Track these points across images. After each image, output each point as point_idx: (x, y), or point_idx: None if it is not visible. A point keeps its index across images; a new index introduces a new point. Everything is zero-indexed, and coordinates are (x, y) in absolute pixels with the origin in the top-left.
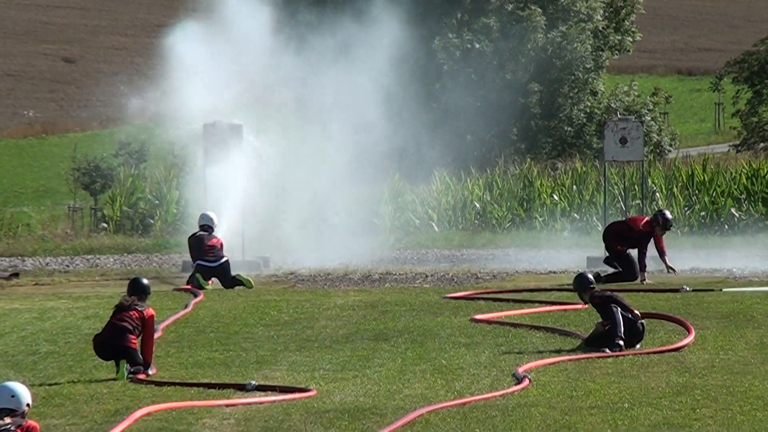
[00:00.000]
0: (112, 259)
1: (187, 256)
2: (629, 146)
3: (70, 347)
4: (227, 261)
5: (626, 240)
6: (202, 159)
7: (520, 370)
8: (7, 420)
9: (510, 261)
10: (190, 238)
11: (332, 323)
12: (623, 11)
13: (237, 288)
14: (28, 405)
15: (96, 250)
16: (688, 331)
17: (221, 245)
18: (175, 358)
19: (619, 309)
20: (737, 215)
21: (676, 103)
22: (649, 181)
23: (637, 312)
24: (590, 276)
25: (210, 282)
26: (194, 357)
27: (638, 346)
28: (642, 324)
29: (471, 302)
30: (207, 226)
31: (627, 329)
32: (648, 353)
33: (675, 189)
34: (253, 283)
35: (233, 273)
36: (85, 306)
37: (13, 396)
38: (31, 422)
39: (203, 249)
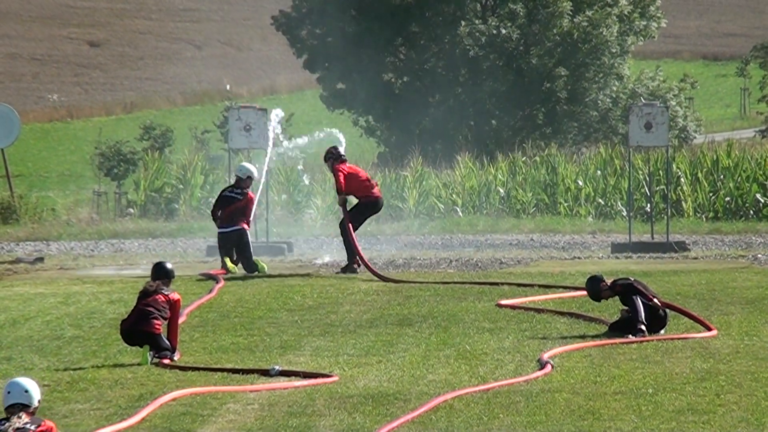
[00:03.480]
0: (136, 244)
1: (212, 241)
2: (654, 131)
3: (94, 332)
4: (242, 230)
5: None
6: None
7: (545, 355)
8: (25, 418)
9: (534, 246)
10: (222, 192)
11: (356, 308)
12: None
13: (259, 273)
14: (39, 401)
15: (121, 235)
16: (709, 329)
17: (250, 201)
18: (200, 343)
19: (638, 297)
20: (762, 201)
21: (702, 89)
22: (674, 166)
23: (657, 301)
24: (598, 275)
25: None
26: (218, 342)
27: (662, 332)
28: (664, 311)
29: (495, 288)
30: (247, 178)
31: (649, 316)
32: (672, 339)
33: (700, 174)
34: (266, 268)
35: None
36: (109, 291)
37: (26, 391)
38: (48, 422)
39: (224, 214)
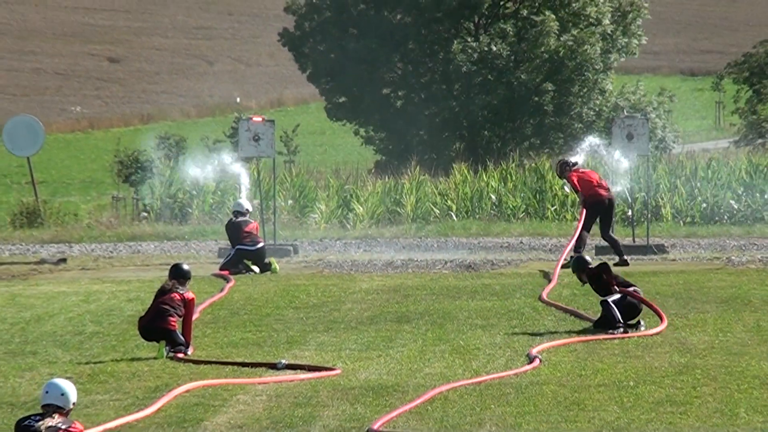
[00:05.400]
0: (152, 246)
1: (223, 243)
2: (635, 142)
3: (113, 328)
4: (264, 246)
5: None
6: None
7: (534, 350)
8: (57, 418)
9: (524, 249)
10: (227, 224)
11: (357, 306)
12: (630, 15)
13: (267, 273)
14: (73, 404)
15: (138, 238)
16: (661, 319)
17: (257, 229)
18: (211, 339)
19: (609, 300)
20: (736, 207)
21: (680, 102)
22: (654, 174)
23: (616, 287)
24: (588, 258)
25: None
26: (229, 337)
27: (642, 324)
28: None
29: (488, 286)
30: (238, 212)
31: (623, 309)
32: (649, 335)
33: (678, 182)
34: (278, 268)
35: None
36: (127, 289)
37: (62, 394)
38: (79, 424)
39: (241, 235)
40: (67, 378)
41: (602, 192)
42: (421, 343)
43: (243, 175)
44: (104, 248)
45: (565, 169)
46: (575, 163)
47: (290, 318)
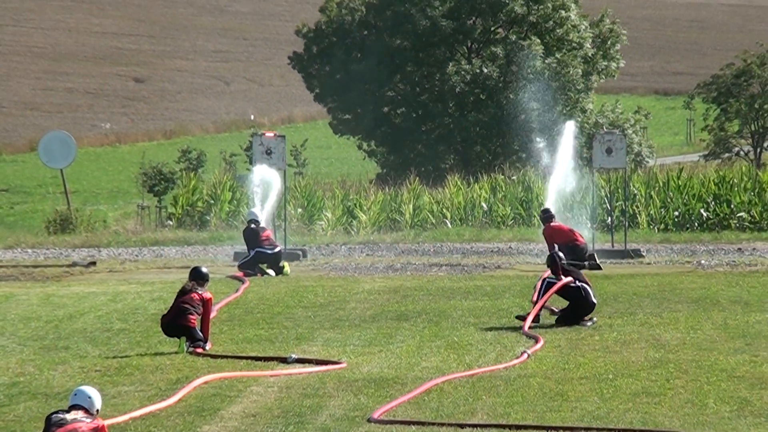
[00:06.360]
0: (174, 250)
1: (239, 247)
2: (614, 156)
3: (138, 325)
4: (280, 250)
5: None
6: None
7: (531, 350)
8: (81, 413)
9: (512, 253)
10: (245, 230)
11: (361, 305)
12: (609, 41)
13: (279, 275)
14: (97, 410)
15: (161, 243)
16: (536, 340)
17: (271, 235)
18: (228, 335)
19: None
20: (705, 215)
21: (654, 119)
22: (631, 185)
23: (569, 278)
24: (561, 254)
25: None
26: (243, 334)
27: (593, 320)
28: (578, 286)
29: (479, 287)
30: (254, 220)
31: (579, 302)
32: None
33: (653, 192)
34: (289, 271)
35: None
36: (151, 290)
37: (89, 397)
38: (102, 421)
39: (260, 239)
40: (96, 370)
41: (579, 239)
42: (418, 339)
43: (256, 190)
44: (130, 252)
45: (543, 217)
46: (552, 216)
47: (299, 316)
